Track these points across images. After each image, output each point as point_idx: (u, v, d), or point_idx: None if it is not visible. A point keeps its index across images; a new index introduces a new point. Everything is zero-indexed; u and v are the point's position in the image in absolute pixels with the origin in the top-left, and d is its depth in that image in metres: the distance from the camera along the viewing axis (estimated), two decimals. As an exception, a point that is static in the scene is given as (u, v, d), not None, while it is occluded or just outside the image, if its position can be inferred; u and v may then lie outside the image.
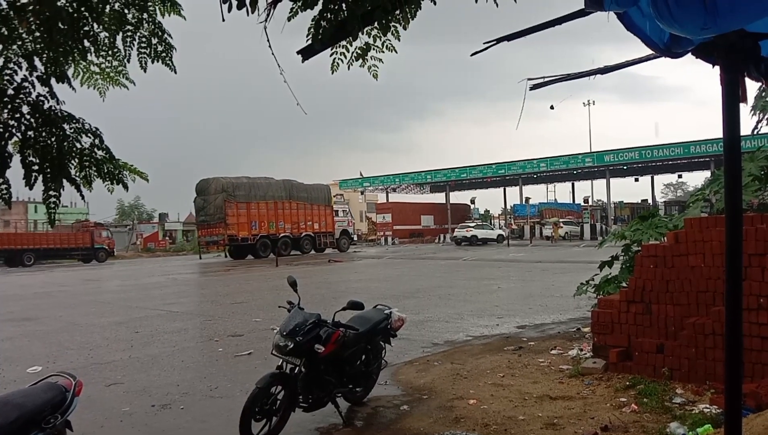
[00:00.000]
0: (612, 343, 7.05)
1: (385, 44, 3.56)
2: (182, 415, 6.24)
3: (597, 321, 7.31)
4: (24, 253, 40.95)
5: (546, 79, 2.96)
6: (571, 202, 69.13)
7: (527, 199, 60.30)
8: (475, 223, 52.45)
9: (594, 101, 63.57)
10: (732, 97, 2.69)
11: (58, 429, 3.80)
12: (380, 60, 3.65)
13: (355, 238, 47.64)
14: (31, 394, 3.78)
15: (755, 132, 17.07)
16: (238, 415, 5.07)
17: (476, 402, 6.21)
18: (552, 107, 4.67)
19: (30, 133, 3.50)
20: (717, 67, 2.74)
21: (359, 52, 3.53)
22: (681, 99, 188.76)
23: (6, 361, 8.99)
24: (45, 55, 3.40)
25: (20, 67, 3.42)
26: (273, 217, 37.92)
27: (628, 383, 6.41)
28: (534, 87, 3.00)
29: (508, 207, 66.46)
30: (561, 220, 56.70)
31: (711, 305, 6.27)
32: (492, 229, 50.77)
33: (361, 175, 66.22)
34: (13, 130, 3.46)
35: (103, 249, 44.78)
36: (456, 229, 51.95)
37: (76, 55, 3.54)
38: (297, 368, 5.42)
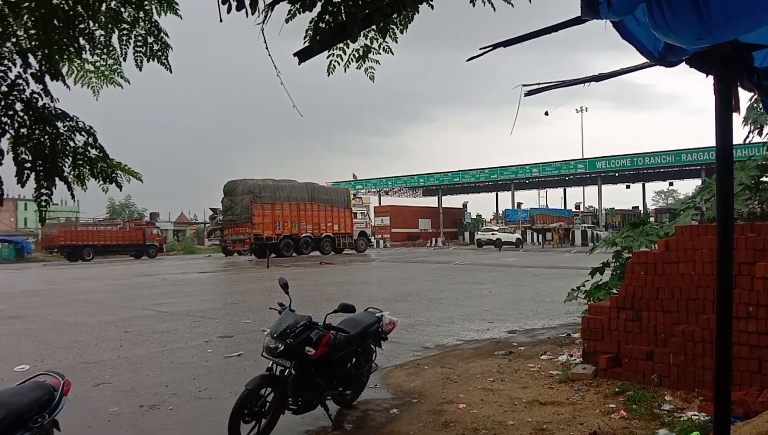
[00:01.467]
0: (602, 349, 7.08)
1: (383, 47, 3.57)
2: (170, 416, 6.20)
3: (587, 327, 7.34)
4: (84, 249, 43.91)
5: (541, 86, 2.96)
6: (563, 207, 69.45)
7: (519, 204, 60.60)
8: (498, 227, 53.44)
9: (587, 108, 64.18)
10: (725, 107, 2.71)
11: (46, 428, 3.77)
12: (377, 62, 3.65)
13: (373, 240, 48.67)
14: (18, 393, 3.75)
15: (746, 141, 17.18)
16: (227, 416, 5.04)
17: (466, 406, 6.21)
18: (546, 113, 4.70)
19: (23, 130, 3.48)
20: (711, 77, 2.76)
21: (357, 54, 3.54)
22: (674, 107, 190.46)
23: (-7, 359, 8.92)
24: (40, 53, 3.38)
25: (14, 64, 3.40)
26: (296, 218, 39.48)
27: (617, 389, 6.43)
28: (529, 93, 3.01)
29: (500, 212, 66.75)
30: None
31: (701, 313, 6.30)
32: (512, 233, 52.17)
33: (354, 177, 66.31)
34: (6, 127, 3.43)
35: (153, 245, 47.88)
36: (479, 232, 53.93)
37: (71, 52, 3.52)
38: (287, 370, 5.40)
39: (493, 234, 50.93)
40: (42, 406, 3.73)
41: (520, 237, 52.45)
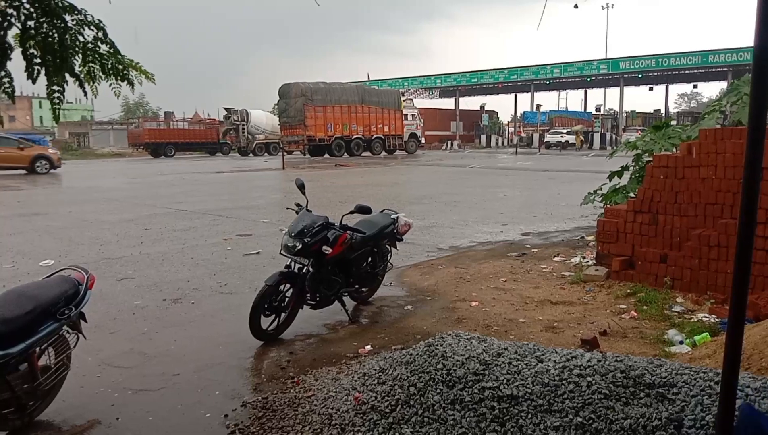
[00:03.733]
0: (616, 251, 7.12)
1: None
2: (193, 310, 6.42)
3: (602, 230, 7.35)
4: (166, 146, 47.65)
5: (572, -25, 2.78)
6: (583, 110, 68.02)
7: (538, 106, 59.37)
8: (566, 130, 53.42)
9: (613, 4, 61.19)
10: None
11: (73, 320, 3.92)
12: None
13: (423, 141, 49.77)
14: (45, 286, 3.87)
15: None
16: (248, 310, 5.22)
17: (478, 304, 6.36)
18: (576, 6, 4.46)
19: (30, 23, 3.37)
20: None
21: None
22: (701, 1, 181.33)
23: (18, 255, 9.19)
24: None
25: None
26: (347, 120, 40.68)
27: (629, 291, 6.52)
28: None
29: (518, 114, 65.59)
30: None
31: (718, 217, 6.27)
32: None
33: (368, 77, 64.86)
34: (12, 20, 3.32)
35: (226, 143, 50.75)
36: (548, 135, 54.64)
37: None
38: (305, 268, 5.52)
39: (561, 136, 52.30)
40: (68, 299, 3.86)
41: (583, 139, 53.54)
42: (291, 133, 39.70)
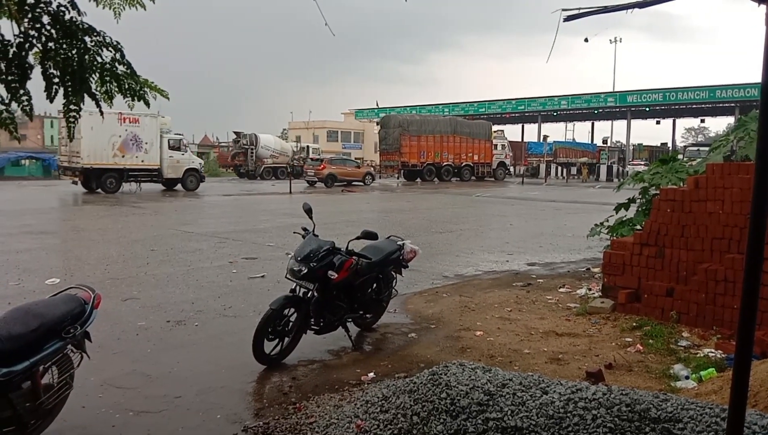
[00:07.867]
0: (622, 284, 7.10)
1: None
2: (197, 332, 6.41)
3: (608, 262, 7.34)
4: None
5: (582, 11, 2.81)
6: (589, 142, 68.22)
7: (545, 137, 59.59)
8: (644, 162, 54.13)
9: (621, 39, 61.79)
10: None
11: (78, 339, 3.91)
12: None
13: (512, 171, 52.97)
14: (51, 305, 3.88)
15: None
16: (252, 334, 5.21)
17: (483, 334, 6.33)
18: (586, 40, 4.53)
19: (50, 44, 3.43)
20: (763, 6, 2.60)
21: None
22: (711, 41, 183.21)
23: (25, 272, 9.22)
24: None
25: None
26: (438, 148, 44.55)
27: (635, 324, 6.49)
28: (568, 18, 2.86)
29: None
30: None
31: (725, 252, 6.25)
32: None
33: (377, 105, 65.50)
34: (34, 41, 3.39)
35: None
36: (629, 165, 55.33)
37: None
38: (310, 292, 5.52)
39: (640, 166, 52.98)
40: (74, 318, 3.87)
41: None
42: (388, 159, 44.22)
